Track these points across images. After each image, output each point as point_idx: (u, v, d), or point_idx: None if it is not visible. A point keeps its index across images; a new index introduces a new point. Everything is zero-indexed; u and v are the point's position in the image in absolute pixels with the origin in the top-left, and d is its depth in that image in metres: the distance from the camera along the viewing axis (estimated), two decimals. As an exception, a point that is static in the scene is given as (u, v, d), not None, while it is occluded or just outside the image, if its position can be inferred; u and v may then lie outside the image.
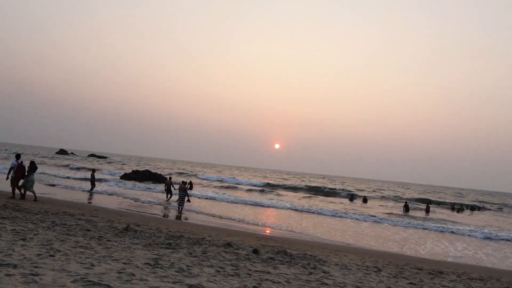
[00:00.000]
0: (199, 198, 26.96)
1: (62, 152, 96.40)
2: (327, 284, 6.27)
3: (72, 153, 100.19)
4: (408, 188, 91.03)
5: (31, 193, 15.07)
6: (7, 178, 14.69)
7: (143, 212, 17.40)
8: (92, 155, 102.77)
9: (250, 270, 6.60)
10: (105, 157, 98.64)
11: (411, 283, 7.33)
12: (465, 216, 33.64)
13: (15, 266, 4.81)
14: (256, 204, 26.63)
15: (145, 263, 5.99)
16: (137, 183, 33.38)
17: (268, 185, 51.30)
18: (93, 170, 25.77)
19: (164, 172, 51.89)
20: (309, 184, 61.21)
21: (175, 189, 22.23)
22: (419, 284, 7.33)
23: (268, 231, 15.65)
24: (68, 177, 34.44)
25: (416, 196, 57.04)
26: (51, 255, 5.69)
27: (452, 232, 20.75)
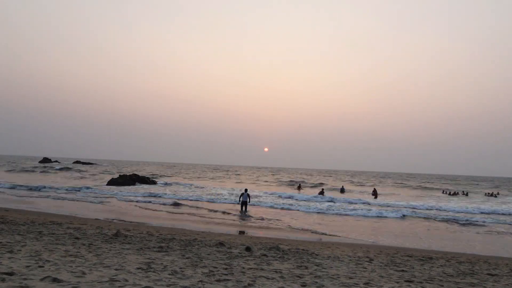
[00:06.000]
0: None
1: (46, 160, 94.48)
2: (320, 277, 6.33)
3: (56, 161, 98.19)
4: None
5: None
6: None
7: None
8: (77, 161, 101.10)
9: (243, 268, 6.61)
10: (91, 163, 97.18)
11: (402, 271, 7.45)
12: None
13: (3, 280, 4.71)
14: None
15: (138, 268, 5.93)
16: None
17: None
18: (245, 190, 22.73)
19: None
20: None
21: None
22: (410, 271, 7.46)
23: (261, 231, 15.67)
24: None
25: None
26: (40, 266, 5.58)
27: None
